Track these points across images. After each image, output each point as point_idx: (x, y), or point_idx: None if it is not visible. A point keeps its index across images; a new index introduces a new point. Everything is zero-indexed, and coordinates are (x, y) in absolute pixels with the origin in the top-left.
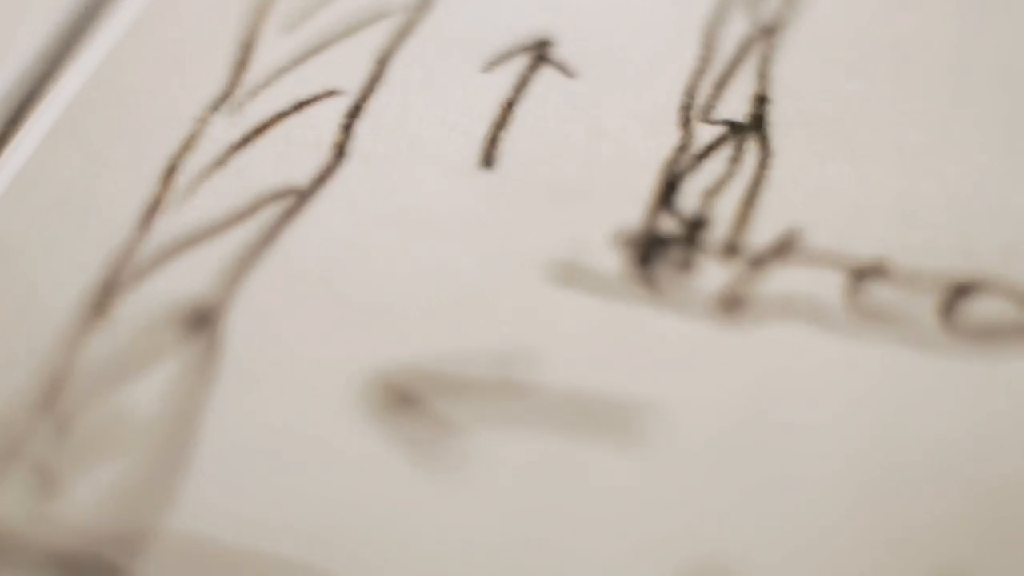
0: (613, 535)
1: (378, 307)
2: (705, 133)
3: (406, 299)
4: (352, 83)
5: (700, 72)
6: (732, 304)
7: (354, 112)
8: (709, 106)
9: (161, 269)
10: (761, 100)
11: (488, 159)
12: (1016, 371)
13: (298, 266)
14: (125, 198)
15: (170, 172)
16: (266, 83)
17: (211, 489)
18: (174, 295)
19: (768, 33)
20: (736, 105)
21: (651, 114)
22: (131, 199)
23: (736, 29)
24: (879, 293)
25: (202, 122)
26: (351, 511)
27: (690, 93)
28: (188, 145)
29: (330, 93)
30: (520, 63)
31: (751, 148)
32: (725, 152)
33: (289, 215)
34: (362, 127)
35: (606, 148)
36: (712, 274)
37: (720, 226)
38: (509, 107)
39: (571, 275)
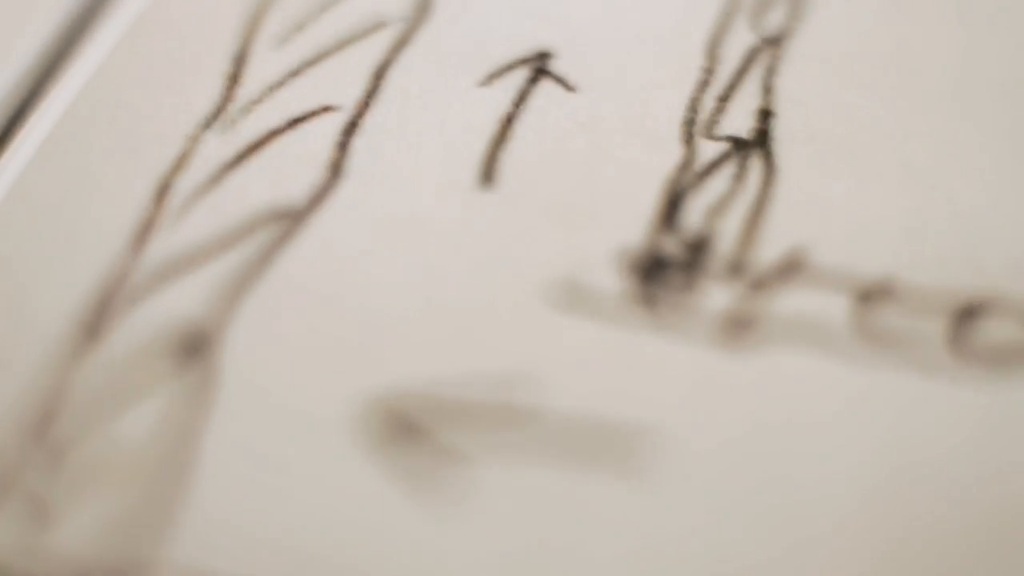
0: (617, 568)
1: (377, 331)
2: (709, 149)
3: (406, 322)
4: (347, 98)
5: (704, 85)
6: (736, 329)
7: (350, 129)
8: (713, 121)
9: (155, 292)
10: (766, 114)
11: (487, 177)
12: None
13: (295, 289)
14: (117, 218)
15: (163, 191)
16: (260, 98)
17: (208, 521)
18: (169, 319)
19: (773, 44)
20: (740, 119)
21: (653, 130)
22: (123, 219)
23: (740, 40)
24: (886, 316)
25: (194, 140)
26: (353, 543)
27: (693, 107)
28: (180, 163)
29: (325, 109)
30: (519, 76)
31: (755, 164)
32: (729, 169)
33: (285, 237)
34: (358, 144)
35: (608, 165)
36: (716, 297)
37: (724, 246)
38: (508, 123)
39: (573, 298)
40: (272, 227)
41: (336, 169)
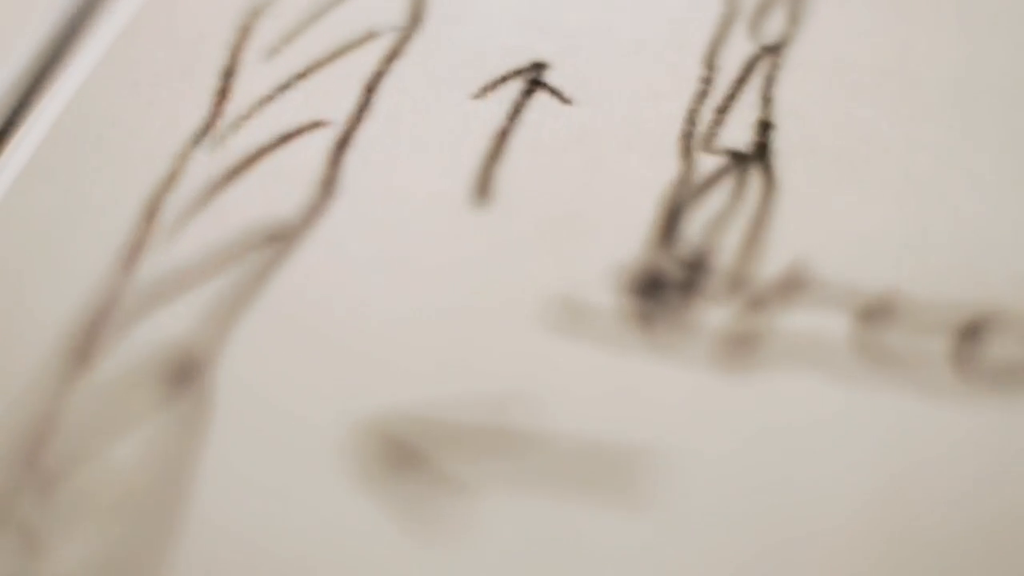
0: None
1: (373, 353)
2: (707, 162)
3: (401, 344)
4: (339, 111)
5: (702, 96)
6: (735, 349)
7: (342, 144)
8: (711, 133)
9: (147, 315)
10: (765, 126)
11: (482, 193)
12: None
13: (288, 312)
14: (106, 238)
15: (152, 211)
16: (249, 114)
17: (202, 552)
18: (161, 344)
19: (772, 52)
20: (739, 131)
21: (651, 143)
22: (112, 239)
23: (739, 48)
24: (888, 334)
25: (184, 157)
26: None
27: (691, 120)
28: (170, 182)
29: (316, 124)
30: (514, 88)
31: (755, 179)
32: (728, 183)
33: (278, 258)
34: (350, 160)
35: (604, 180)
36: (714, 317)
37: (723, 261)
38: (503, 137)
39: (570, 317)
40: (264, 248)
41: (328, 186)
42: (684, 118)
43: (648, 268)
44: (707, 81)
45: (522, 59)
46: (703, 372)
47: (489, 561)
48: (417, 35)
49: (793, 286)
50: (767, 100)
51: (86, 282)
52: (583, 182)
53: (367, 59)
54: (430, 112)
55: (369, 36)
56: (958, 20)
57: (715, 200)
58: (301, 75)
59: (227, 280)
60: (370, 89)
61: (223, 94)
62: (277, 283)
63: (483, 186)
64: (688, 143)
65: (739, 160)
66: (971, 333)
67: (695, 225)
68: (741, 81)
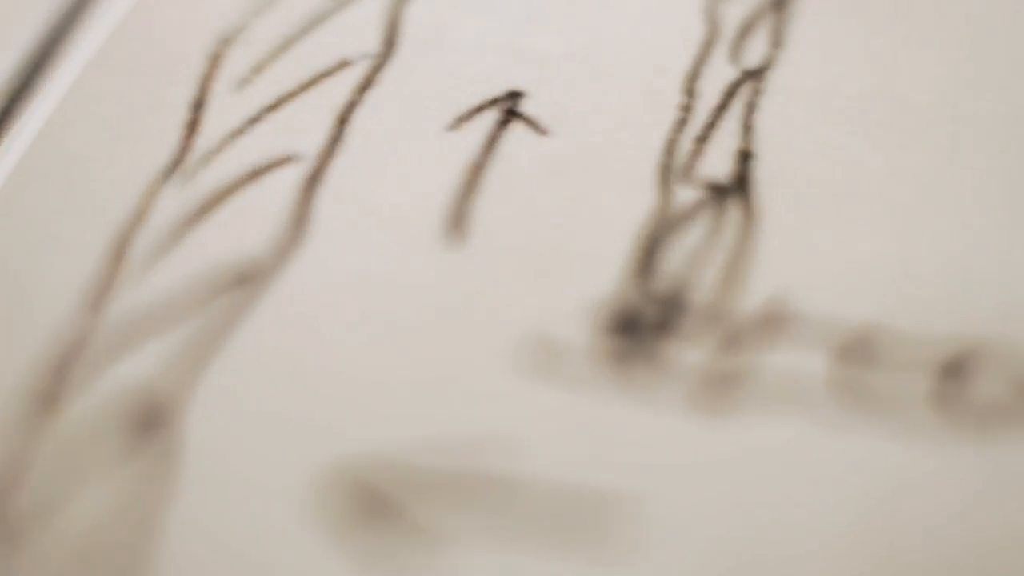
0: None
1: (344, 397)
2: (686, 194)
3: (373, 387)
4: (311, 144)
5: (681, 124)
6: (713, 392)
7: (313, 179)
8: (690, 164)
9: (115, 358)
10: (745, 156)
11: (456, 228)
12: (1018, 458)
13: (258, 356)
14: (73, 278)
15: (121, 249)
16: (219, 148)
17: None
18: (129, 390)
19: (754, 77)
20: (719, 161)
21: (628, 174)
22: (79, 279)
23: (719, 74)
24: (869, 375)
25: (152, 193)
26: None
27: (669, 150)
28: (138, 219)
29: (286, 159)
30: (488, 118)
31: (734, 210)
32: (707, 215)
33: (247, 300)
34: (321, 196)
35: (580, 213)
36: (692, 356)
37: (701, 298)
38: (477, 171)
39: (545, 359)
40: (234, 290)
41: (299, 223)
42: (662, 148)
43: (624, 306)
44: (686, 109)
45: (498, 87)
46: (680, 415)
47: None
48: (391, 62)
49: (772, 323)
50: (747, 128)
51: (53, 323)
52: (559, 215)
53: (339, 89)
54: (404, 144)
55: (342, 64)
56: (943, 46)
57: (694, 233)
58: (272, 107)
59: (196, 324)
60: (343, 120)
61: (192, 127)
62: (246, 327)
63: (457, 222)
64: (666, 174)
65: (718, 192)
66: (954, 370)
67: (673, 259)
68: (721, 108)
